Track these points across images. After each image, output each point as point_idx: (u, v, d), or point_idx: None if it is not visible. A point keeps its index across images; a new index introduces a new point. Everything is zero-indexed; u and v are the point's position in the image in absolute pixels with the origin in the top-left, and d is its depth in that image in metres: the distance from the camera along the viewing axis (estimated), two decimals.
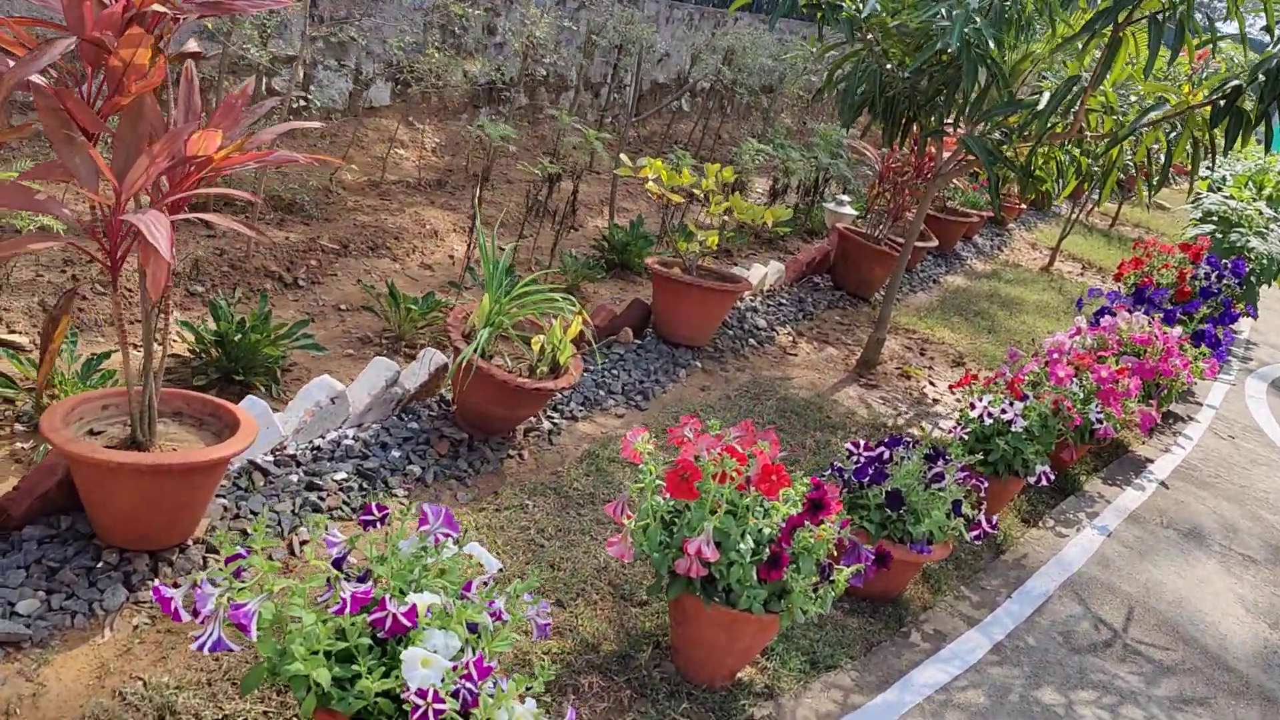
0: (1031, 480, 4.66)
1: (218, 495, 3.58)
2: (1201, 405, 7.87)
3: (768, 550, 3.12)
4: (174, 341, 4.84)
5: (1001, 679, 3.84)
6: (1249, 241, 9.20)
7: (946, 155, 6.45)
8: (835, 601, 4.00)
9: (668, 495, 3.19)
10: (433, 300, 5.59)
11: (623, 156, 5.71)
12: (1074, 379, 5.64)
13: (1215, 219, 9.69)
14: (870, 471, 3.90)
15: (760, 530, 3.23)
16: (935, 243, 9.24)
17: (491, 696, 2.43)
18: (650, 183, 5.66)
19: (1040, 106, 5.32)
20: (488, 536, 3.84)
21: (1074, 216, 11.72)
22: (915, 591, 4.27)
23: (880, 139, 6.34)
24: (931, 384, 6.84)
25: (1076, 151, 5.86)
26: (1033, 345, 7.33)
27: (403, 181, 8.15)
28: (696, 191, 5.91)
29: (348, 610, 2.44)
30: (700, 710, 3.25)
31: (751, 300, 7.13)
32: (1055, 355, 5.67)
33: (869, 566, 3.29)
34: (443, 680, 2.30)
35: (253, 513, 3.58)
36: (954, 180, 9.48)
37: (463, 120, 9.76)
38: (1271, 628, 4.70)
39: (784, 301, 7.37)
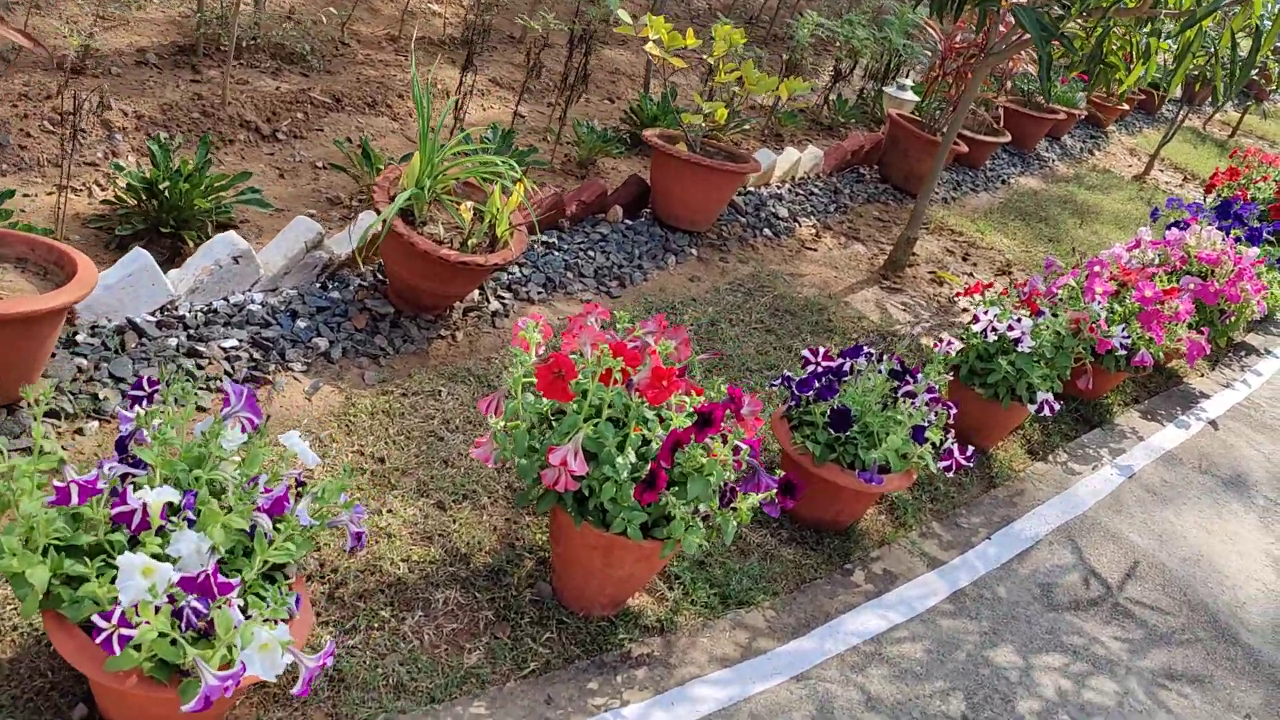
0: (1032, 408, 4.05)
1: (77, 354, 3.23)
2: None
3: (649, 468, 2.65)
4: (110, 186, 4.48)
5: (951, 632, 3.33)
6: None
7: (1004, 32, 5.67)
8: (773, 526, 3.52)
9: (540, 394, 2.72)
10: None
11: (621, 13, 5.09)
12: (1113, 296, 4.96)
13: None
14: (817, 384, 3.36)
15: (648, 444, 2.74)
16: (1007, 138, 8.39)
17: (243, 617, 2.03)
18: (650, 44, 5.05)
19: None
20: (382, 423, 3.43)
21: (1180, 120, 10.61)
22: (874, 523, 3.75)
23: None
24: (964, 294, 6.17)
25: (1147, 33, 5.04)
26: (1074, 256, 6.59)
27: (426, 38, 7.61)
28: (708, 58, 5.26)
29: (74, 499, 2.05)
30: (566, 642, 2.83)
31: (777, 187, 6.49)
32: (1097, 268, 4.98)
33: (778, 496, 2.79)
34: (150, 595, 1.90)
35: (113, 376, 3.22)
36: (1028, 68, 8.55)
37: None
38: None
39: (816, 191, 6.71)
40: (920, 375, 3.44)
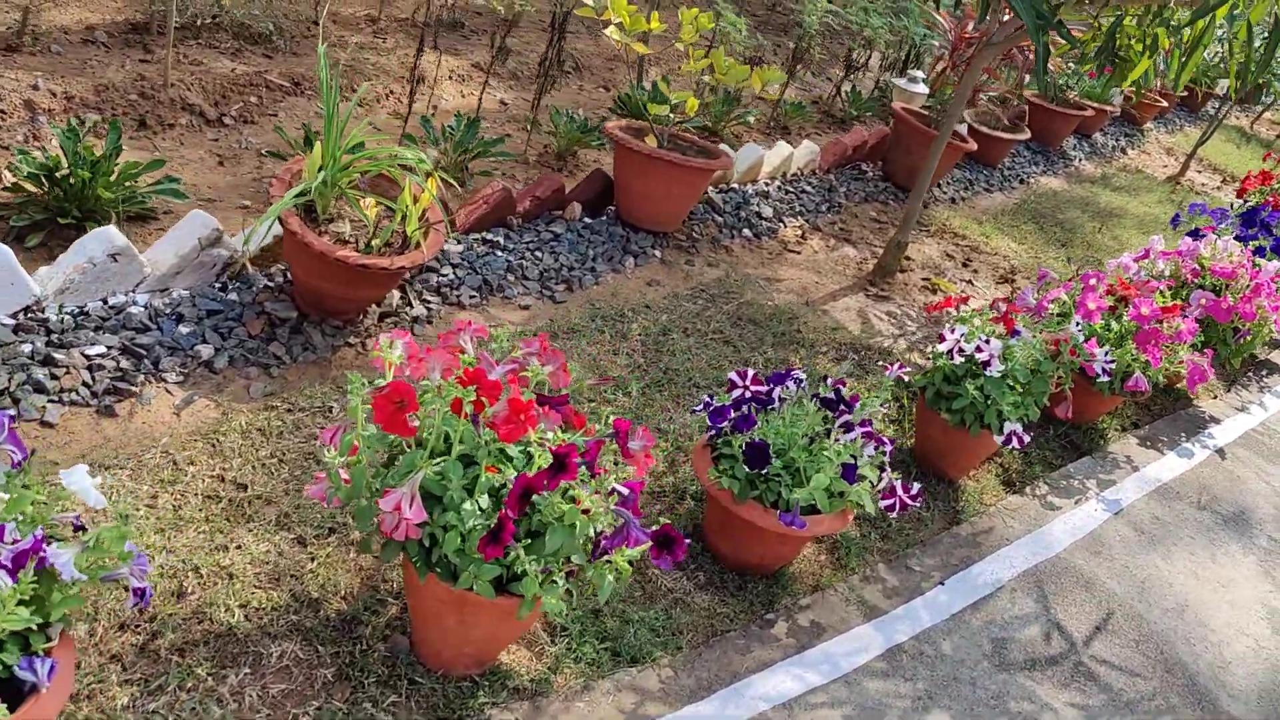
0: (999, 440, 3.64)
1: None
2: None
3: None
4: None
5: (878, 696, 2.95)
6: None
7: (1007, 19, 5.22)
8: (689, 569, 3.15)
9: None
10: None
11: None
12: (1110, 313, 4.52)
13: None
14: (733, 413, 2.98)
15: (506, 487, 2.39)
16: (1026, 135, 7.90)
17: None
18: (612, 28, 4.67)
19: None
20: (255, 444, 3.11)
21: (1220, 117, 10.01)
22: (810, 565, 3.37)
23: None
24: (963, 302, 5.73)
25: (1155, 25, 4.57)
26: (1070, 266, 6.13)
27: (412, 20, 7.29)
28: (679, 45, 4.88)
29: None
30: (415, 708, 2.48)
31: (765, 184, 6.09)
32: (1093, 281, 4.54)
33: (653, 551, 2.42)
34: None
35: None
36: (1051, 65, 8.03)
37: None
38: None
39: (808, 189, 6.29)
40: (857, 405, 3.05)
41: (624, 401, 3.82)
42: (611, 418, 2.56)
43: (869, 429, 2.98)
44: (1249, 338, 5.08)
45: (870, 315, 5.19)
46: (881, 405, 3.07)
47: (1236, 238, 6.02)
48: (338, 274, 3.46)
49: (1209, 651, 3.55)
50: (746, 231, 5.55)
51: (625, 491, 2.45)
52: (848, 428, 3.05)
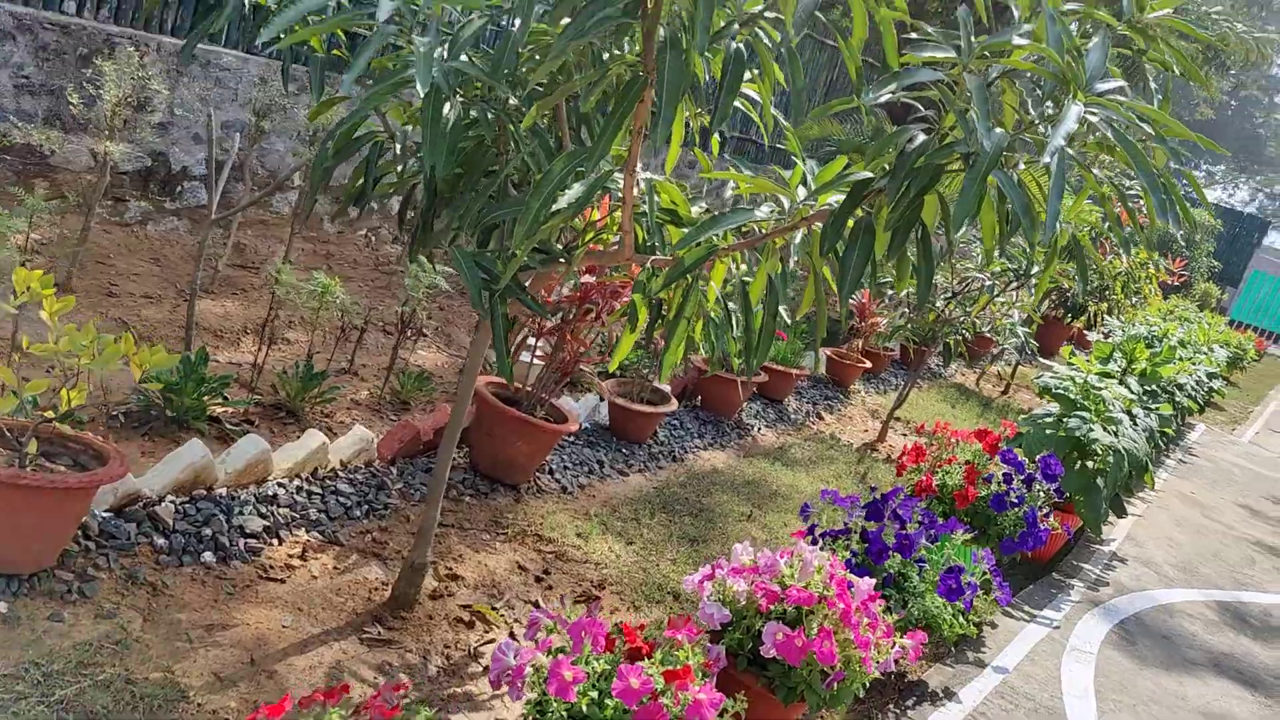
0: None
1: None
2: (983, 668, 5.40)
3: None
4: None
5: None
6: (1091, 431, 6.86)
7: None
8: None
9: None
10: None
11: None
12: (602, 678, 3.23)
13: (1055, 397, 7.38)
14: None
15: None
16: (672, 406, 6.91)
17: None
18: None
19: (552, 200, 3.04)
20: None
21: (916, 376, 9.40)
22: None
23: None
24: (512, 637, 4.39)
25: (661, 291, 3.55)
26: (563, 606, 4.93)
27: None
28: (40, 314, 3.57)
29: None
30: None
31: (277, 486, 4.71)
32: (582, 633, 3.27)
33: None
34: None
35: None
36: None
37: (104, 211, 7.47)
38: None
39: (345, 488, 4.95)
40: None
41: None
42: None
43: None
44: (845, 682, 3.87)
45: (347, 676, 3.76)
46: None
47: (862, 536, 4.96)
48: None
49: None
50: (207, 556, 4.12)
51: None
52: None
